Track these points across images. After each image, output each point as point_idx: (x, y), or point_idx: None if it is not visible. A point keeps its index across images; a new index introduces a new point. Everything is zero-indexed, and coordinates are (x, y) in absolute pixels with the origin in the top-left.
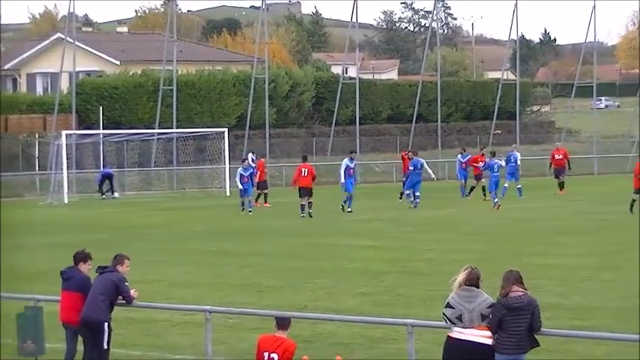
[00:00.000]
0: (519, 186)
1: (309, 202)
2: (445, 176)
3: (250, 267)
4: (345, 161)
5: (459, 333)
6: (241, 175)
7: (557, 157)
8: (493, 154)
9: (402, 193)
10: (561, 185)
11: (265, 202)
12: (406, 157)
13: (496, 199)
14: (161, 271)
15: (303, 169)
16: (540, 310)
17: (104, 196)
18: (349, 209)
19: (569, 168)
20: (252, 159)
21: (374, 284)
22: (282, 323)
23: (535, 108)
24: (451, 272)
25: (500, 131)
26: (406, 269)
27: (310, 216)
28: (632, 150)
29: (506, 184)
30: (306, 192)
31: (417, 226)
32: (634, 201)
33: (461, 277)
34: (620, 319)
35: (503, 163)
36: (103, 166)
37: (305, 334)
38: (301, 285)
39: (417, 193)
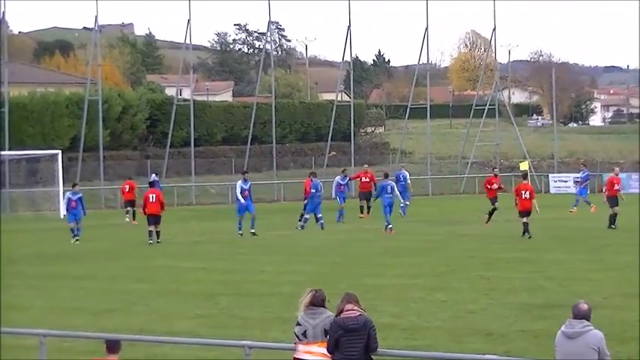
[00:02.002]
0: (403, 205)
1: (157, 231)
2: (281, 198)
3: (84, 290)
4: (239, 183)
5: (303, 353)
6: (69, 199)
7: (364, 179)
8: (386, 176)
9: (302, 215)
10: (364, 209)
11: (134, 219)
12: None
13: (390, 225)
14: (3, 294)
15: (150, 195)
16: (376, 331)
17: None
18: (252, 229)
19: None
20: (156, 180)
21: (209, 306)
22: (112, 347)
23: (369, 129)
24: (285, 294)
25: (335, 152)
26: (240, 291)
27: (159, 243)
28: (466, 171)
29: (402, 203)
30: (154, 219)
31: (251, 247)
32: (526, 224)
33: (306, 299)
34: (454, 338)
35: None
36: None
37: (141, 357)
38: (136, 307)
39: (320, 215)
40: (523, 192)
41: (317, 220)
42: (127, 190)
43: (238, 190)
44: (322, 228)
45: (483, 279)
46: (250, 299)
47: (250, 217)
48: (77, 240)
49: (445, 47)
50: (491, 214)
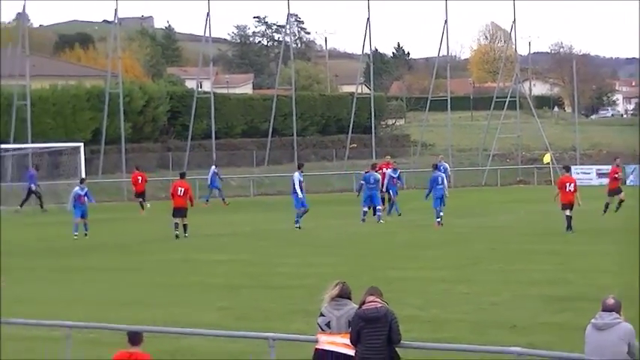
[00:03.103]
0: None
1: (183, 225)
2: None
3: (109, 282)
4: (297, 175)
5: (326, 344)
6: (78, 194)
7: (385, 170)
8: (435, 167)
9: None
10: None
11: (142, 208)
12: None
13: (441, 214)
14: (18, 287)
15: (179, 188)
16: (398, 323)
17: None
18: (298, 225)
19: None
20: (215, 172)
21: (233, 298)
22: (134, 338)
23: (390, 121)
24: (308, 286)
25: (355, 145)
26: (264, 283)
27: (186, 237)
28: (488, 163)
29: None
30: (180, 212)
31: (274, 240)
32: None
33: (333, 291)
34: (478, 330)
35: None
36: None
37: (166, 349)
38: (160, 300)
39: (378, 207)
40: (567, 184)
41: (374, 212)
42: (139, 181)
43: (297, 183)
44: (379, 220)
45: (506, 271)
46: (274, 291)
47: (303, 211)
48: (76, 236)
49: (465, 39)
50: (607, 205)
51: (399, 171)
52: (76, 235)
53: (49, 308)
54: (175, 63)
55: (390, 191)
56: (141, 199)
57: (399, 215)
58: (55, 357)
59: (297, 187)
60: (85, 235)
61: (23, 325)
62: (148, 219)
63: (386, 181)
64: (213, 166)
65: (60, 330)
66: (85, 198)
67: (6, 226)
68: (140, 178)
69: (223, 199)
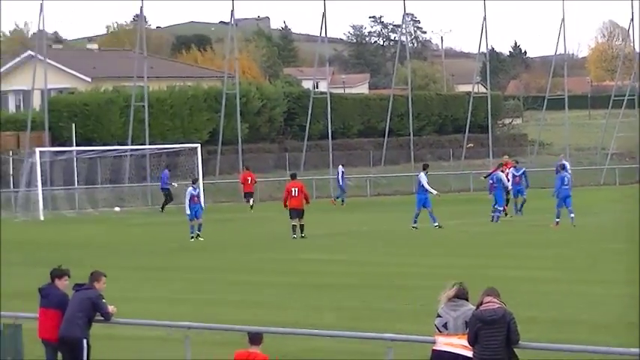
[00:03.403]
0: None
1: (300, 225)
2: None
3: (228, 283)
4: (423, 175)
5: (443, 345)
6: (192, 195)
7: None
8: (563, 168)
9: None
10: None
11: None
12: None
13: (572, 215)
14: (135, 287)
15: (292, 189)
16: (517, 323)
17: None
18: (415, 225)
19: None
20: (342, 171)
21: (350, 298)
22: (254, 338)
23: (507, 121)
24: (426, 286)
25: (472, 144)
26: (381, 283)
27: (303, 238)
28: (606, 162)
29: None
30: (296, 213)
31: (391, 240)
32: None
33: (450, 292)
34: (596, 331)
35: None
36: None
37: (284, 350)
38: (280, 300)
39: (499, 207)
40: None
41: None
42: (248, 182)
43: (425, 183)
44: (492, 220)
45: (625, 271)
46: (391, 291)
47: (430, 210)
48: (193, 237)
49: (582, 37)
50: None
51: (523, 169)
52: (192, 237)
53: (168, 308)
54: (292, 63)
55: (512, 190)
56: (247, 199)
57: (515, 215)
58: (173, 357)
59: (427, 186)
60: (198, 235)
61: (143, 325)
62: (264, 219)
63: (510, 181)
64: (341, 166)
65: (180, 330)
66: (197, 199)
67: (122, 226)
68: (250, 178)
69: (342, 201)
